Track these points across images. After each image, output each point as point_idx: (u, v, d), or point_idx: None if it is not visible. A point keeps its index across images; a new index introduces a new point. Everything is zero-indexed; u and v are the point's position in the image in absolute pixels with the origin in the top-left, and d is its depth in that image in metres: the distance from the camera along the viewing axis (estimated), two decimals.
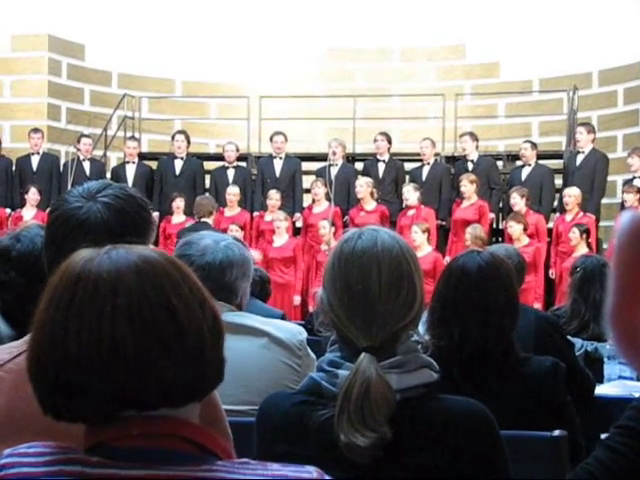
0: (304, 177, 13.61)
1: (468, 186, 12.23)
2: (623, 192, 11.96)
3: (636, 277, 0.79)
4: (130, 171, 13.75)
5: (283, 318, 5.56)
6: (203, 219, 12.03)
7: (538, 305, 10.70)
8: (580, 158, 12.67)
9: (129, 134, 14.82)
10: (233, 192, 12.93)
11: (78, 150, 13.39)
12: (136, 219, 2.25)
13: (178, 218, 12.61)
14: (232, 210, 12.87)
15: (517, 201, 11.92)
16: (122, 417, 1.45)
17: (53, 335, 1.43)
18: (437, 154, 13.65)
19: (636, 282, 0.79)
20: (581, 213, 11.85)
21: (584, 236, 11.11)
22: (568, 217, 11.86)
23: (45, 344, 1.44)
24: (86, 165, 13.54)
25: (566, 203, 11.89)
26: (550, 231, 12.19)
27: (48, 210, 2.51)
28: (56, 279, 1.48)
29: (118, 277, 1.44)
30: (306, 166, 13.87)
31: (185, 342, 1.44)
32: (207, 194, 13.13)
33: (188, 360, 1.44)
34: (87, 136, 13.87)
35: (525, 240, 11.33)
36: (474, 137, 13.17)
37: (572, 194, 11.85)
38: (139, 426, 1.45)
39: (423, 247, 11.15)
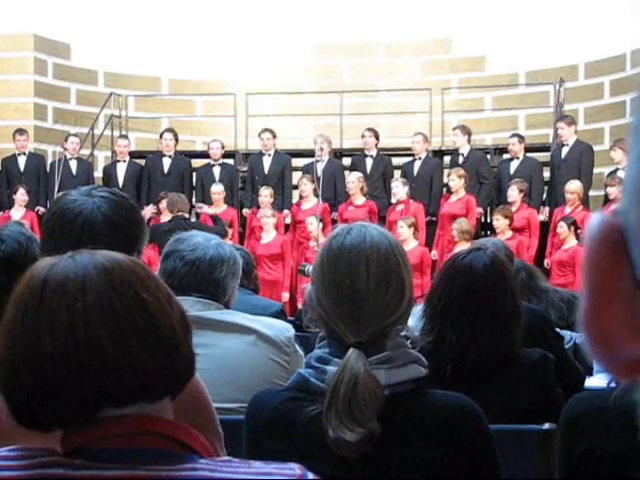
0: (293, 173, 13.60)
1: (456, 180, 12.22)
2: (606, 185, 11.92)
3: (607, 282, 0.78)
4: (121, 170, 13.70)
5: (282, 311, 5.55)
6: (180, 214, 11.69)
7: None
8: (565, 150, 12.65)
9: (116, 133, 14.77)
10: (217, 190, 12.88)
11: (65, 149, 13.35)
12: (130, 215, 2.37)
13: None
14: (218, 208, 12.82)
15: (514, 194, 11.90)
16: (100, 418, 1.45)
17: (25, 338, 1.42)
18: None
19: (608, 287, 0.78)
20: (581, 206, 11.77)
21: (572, 228, 11.13)
22: (567, 209, 11.78)
23: (18, 349, 1.43)
24: (73, 164, 13.48)
25: (569, 199, 11.76)
26: (541, 224, 12.18)
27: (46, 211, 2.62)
28: (22, 287, 1.47)
29: (85, 276, 1.44)
30: (294, 162, 13.86)
31: (158, 333, 1.44)
32: (193, 192, 13.08)
33: (162, 351, 1.45)
34: (75, 135, 13.83)
35: (508, 233, 11.35)
36: (465, 130, 13.14)
37: (574, 189, 11.74)
38: (119, 426, 1.45)
39: (409, 241, 11.15)
